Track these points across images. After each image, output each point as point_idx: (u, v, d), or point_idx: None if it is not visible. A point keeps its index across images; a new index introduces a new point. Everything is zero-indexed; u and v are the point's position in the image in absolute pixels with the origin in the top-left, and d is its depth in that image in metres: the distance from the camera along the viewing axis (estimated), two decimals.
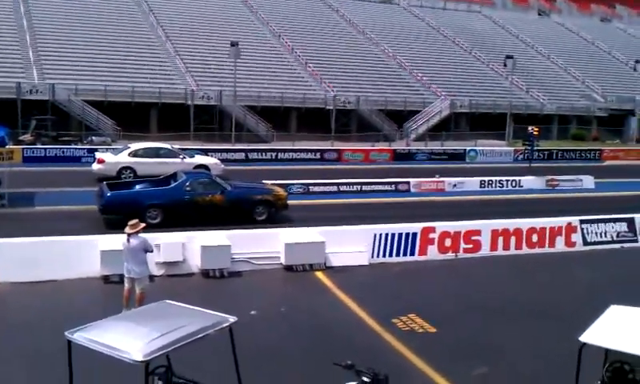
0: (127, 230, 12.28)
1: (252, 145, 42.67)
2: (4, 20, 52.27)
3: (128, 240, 12.23)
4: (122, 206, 19.20)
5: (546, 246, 19.34)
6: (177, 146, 32.26)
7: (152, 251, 13.06)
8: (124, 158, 28.44)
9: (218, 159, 31.63)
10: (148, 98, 47.85)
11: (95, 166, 28.52)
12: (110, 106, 45.88)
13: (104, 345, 6.38)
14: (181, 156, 29.05)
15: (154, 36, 56.70)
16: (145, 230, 12.81)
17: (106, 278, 14.55)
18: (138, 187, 21.22)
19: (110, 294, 13.44)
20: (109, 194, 19.69)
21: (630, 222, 20.83)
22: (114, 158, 28.78)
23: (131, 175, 27.41)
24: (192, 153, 31.02)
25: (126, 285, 12.39)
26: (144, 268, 12.43)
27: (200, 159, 29.86)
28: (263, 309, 13.02)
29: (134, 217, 12.98)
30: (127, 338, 6.46)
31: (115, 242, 13.86)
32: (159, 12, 60.71)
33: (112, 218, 19.00)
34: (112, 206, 19.55)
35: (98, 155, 29.76)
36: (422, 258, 17.76)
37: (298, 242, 16.38)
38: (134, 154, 28.72)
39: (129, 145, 30.76)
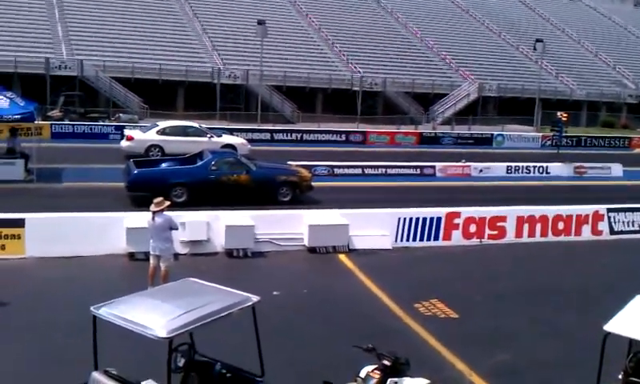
0: (152, 207, 12.37)
1: (277, 125, 42.76)
2: None
3: (153, 218, 12.33)
4: (148, 183, 19.33)
5: (572, 234, 19.15)
6: (204, 125, 32.38)
7: (177, 229, 13.15)
8: (152, 136, 28.63)
9: (244, 139, 31.70)
10: (175, 76, 48.11)
11: (124, 143, 28.73)
12: (137, 83, 46.20)
13: (128, 320, 6.46)
14: (208, 135, 29.20)
15: (181, 14, 56.82)
16: (170, 208, 12.90)
17: (131, 255, 14.71)
18: (164, 165, 21.37)
19: (135, 271, 13.60)
20: (135, 172, 19.86)
21: None
22: (142, 135, 28.98)
23: (159, 153, 27.59)
24: (219, 132, 31.12)
25: (151, 262, 12.51)
26: (169, 246, 12.54)
27: (227, 138, 29.96)
28: (286, 290, 13.08)
29: (159, 195, 13.06)
30: (151, 315, 6.52)
31: (141, 219, 13.99)
32: None
33: (138, 196, 19.17)
34: (138, 184, 19.73)
35: (126, 132, 30.03)
36: (446, 243, 17.69)
37: (322, 224, 16.40)
38: (162, 131, 28.91)
39: (157, 123, 30.95)
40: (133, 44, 49.74)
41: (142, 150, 27.62)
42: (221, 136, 30.02)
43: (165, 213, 12.44)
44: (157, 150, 28.02)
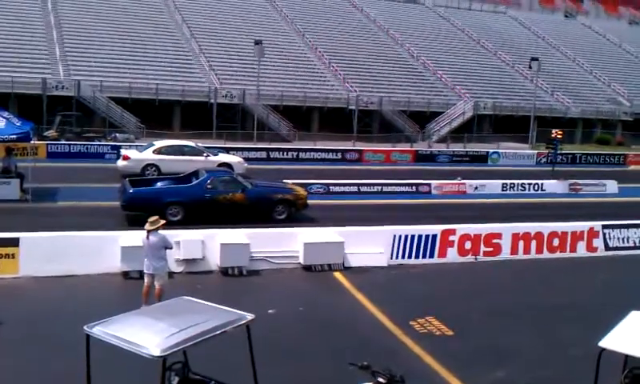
0: (147, 226, 12.38)
1: (274, 144, 42.83)
2: (32, 16, 52.97)
3: (148, 236, 12.33)
4: (144, 202, 19.35)
5: (568, 250, 19.18)
6: (200, 144, 32.46)
7: (171, 248, 13.16)
8: (148, 155, 28.64)
9: (241, 157, 31.77)
10: (172, 95, 48.22)
11: (120, 163, 28.72)
12: (134, 103, 46.30)
13: (122, 339, 6.45)
14: (205, 154, 29.19)
15: (179, 34, 57.07)
16: (166, 227, 12.92)
17: (125, 274, 14.70)
18: (159, 184, 21.38)
19: (130, 290, 13.59)
20: (131, 191, 19.87)
21: None
22: (138, 154, 29.00)
23: (155, 172, 27.60)
24: (215, 151, 31.17)
25: (146, 281, 12.50)
26: (163, 264, 12.54)
27: (223, 157, 29.95)
28: (281, 307, 13.07)
29: (155, 213, 13.09)
30: (145, 333, 6.52)
31: (136, 238, 14.00)
32: (185, 10, 61.08)
33: (134, 215, 19.16)
34: (134, 203, 19.73)
35: (122, 152, 30.05)
36: (442, 260, 17.70)
37: (317, 242, 16.41)
38: (159, 151, 28.91)
39: (153, 142, 31.00)
40: (130, 64, 49.90)
41: (138, 169, 27.62)
42: (217, 155, 30.03)
43: (159, 231, 12.45)
44: (153, 169, 27.98)
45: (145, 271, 12.54)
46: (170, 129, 46.03)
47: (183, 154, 28.84)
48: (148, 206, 17.85)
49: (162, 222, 12.67)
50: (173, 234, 14.20)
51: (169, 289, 12.03)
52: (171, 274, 13.79)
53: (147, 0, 61.18)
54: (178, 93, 48.29)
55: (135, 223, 16.91)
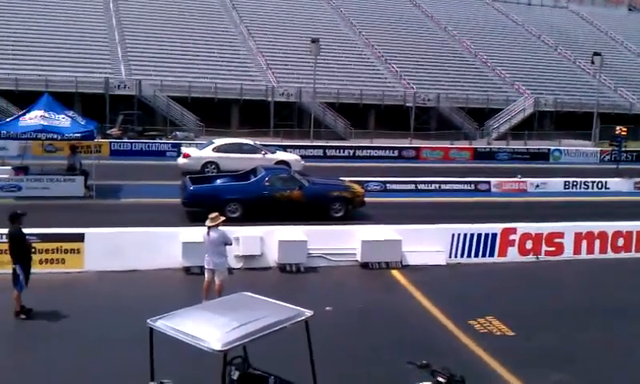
0: (208, 222, 12.57)
1: (330, 142, 42.84)
2: (95, 18, 54.38)
3: (208, 233, 12.52)
4: (204, 199, 19.66)
5: (633, 250, 18.60)
6: (258, 141, 32.77)
7: (231, 244, 13.32)
8: (208, 153, 29.01)
9: (298, 155, 31.95)
10: (230, 94, 48.80)
11: (181, 160, 29.15)
12: (193, 101, 47.07)
13: (184, 333, 6.56)
14: (262, 152, 29.49)
15: (236, 33, 57.71)
16: (224, 223, 13.07)
17: (186, 269, 14.95)
18: (219, 182, 21.67)
19: (191, 285, 13.81)
20: (191, 188, 20.21)
21: None
22: (198, 152, 29.40)
23: (215, 170, 27.94)
24: (273, 149, 31.42)
25: (206, 276, 12.68)
26: (223, 260, 12.71)
27: (281, 155, 30.18)
28: (338, 305, 13.05)
29: (215, 210, 13.28)
30: (207, 328, 6.62)
31: (196, 234, 14.21)
32: (241, 9, 61.74)
33: (194, 211, 19.48)
34: (194, 200, 20.06)
35: (183, 150, 30.56)
36: (502, 259, 17.41)
37: (375, 240, 16.36)
38: (218, 149, 29.26)
39: (212, 140, 31.39)
40: (189, 63, 50.70)
41: (198, 167, 27.98)
42: (275, 153, 30.27)
43: (219, 228, 12.62)
44: (212, 166, 28.32)
45: (205, 267, 12.73)
46: (229, 127, 46.54)
47: (241, 152, 29.11)
48: (208, 203, 18.12)
49: (222, 218, 12.83)
50: (232, 231, 14.37)
51: (228, 284, 12.18)
52: (231, 270, 13.96)
53: (205, 0, 62.06)
54: (235, 91, 48.84)
55: (196, 219, 17.19)
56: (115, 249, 15.02)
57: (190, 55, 51.87)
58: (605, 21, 77.29)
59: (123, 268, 14.72)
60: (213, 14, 59.96)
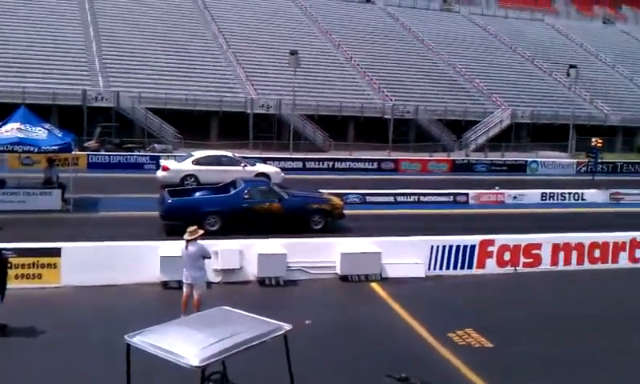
0: (186, 236, 12.51)
1: (309, 154, 42.90)
2: (72, 30, 54.09)
3: (187, 246, 12.45)
4: (182, 212, 19.55)
5: (609, 261, 18.81)
6: (237, 154, 32.70)
7: (210, 258, 13.27)
8: (187, 166, 28.87)
9: (278, 168, 31.94)
10: (209, 106, 48.71)
11: (159, 174, 28.98)
12: (171, 114, 46.88)
13: (162, 349, 6.52)
14: (242, 164, 29.43)
15: (215, 45, 57.69)
16: (203, 236, 13.02)
17: (165, 284, 14.85)
18: (197, 194, 21.59)
19: (169, 300, 13.71)
20: (170, 201, 20.10)
21: None
22: (177, 165, 29.29)
23: (194, 182, 27.84)
24: (253, 161, 31.34)
25: (185, 290, 12.61)
26: (202, 274, 12.65)
27: (261, 167, 30.20)
28: (318, 318, 13.02)
29: (193, 223, 13.21)
30: (185, 343, 6.59)
31: (174, 248, 14.15)
32: (221, 21, 61.77)
33: (172, 224, 19.36)
34: (172, 213, 19.95)
35: (162, 163, 30.37)
36: (480, 271, 17.50)
37: (354, 252, 16.38)
38: (197, 161, 29.12)
39: (191, 153, 31.29)
40: (168, 75, 50.58)
41: (177, 180, 27.83)
42: (254, 165, 30.21)
43: (198, 241, 12.56)
44: (192, 179, 28.17)
45: (184, 281, 12.65)
46: (207, 139, 46.47)
47: (221, 165, 28.99)
48: (186, 216, 18.02)
49: (201, 232, 12.78)
50: (211, 244, 14.31)
51: (207, 299, 12.11)
52: (209, 284, 13.89)
53: (184, 12, 62.07)
54: (214, 103, 48.76)
55: (174, 233, 17.10)
56: (92, 263, 14.88)
57: (168, 67, 51.75)
58: (580, 33, 78.41)
59: (100, 283, 14.58)
60: (192, 25, 59.90)
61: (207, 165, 28.85)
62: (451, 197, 28.99)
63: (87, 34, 54.08)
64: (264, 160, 34.52)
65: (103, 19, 56.96)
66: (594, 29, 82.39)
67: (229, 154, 31.61)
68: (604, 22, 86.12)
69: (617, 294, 16.23)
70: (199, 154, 30.61)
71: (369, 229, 20.59)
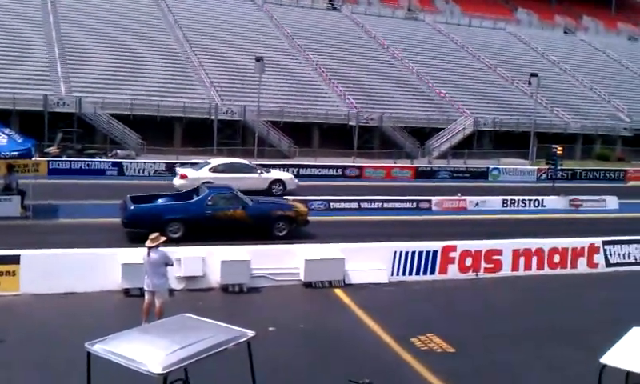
0: (148, 243, 12.40)
1: (274, 160, 42.83)
2: (34, 34, 53.22)
3: (148, 253, 12.35)
4: (145, 219, 19.35)
5: (568, 266, 19.17)
6: (252, 161, 34.14)
7: (172, 265, 13.18)
8: (205, 174, 28.93)
9: (292, 174, 32.92)
10: (173, 112, 48.34)
11: (177, 181, 28.97)
12: (135, 119, 46.42)
13: (123, 357, 6.47)
14: (258, 171, 30.39)
15: (180, 50, 57.33)
16: (166, 243, 12.93)
17: (126, 291, 14.70)
18: (160, 201, 21.39)
19: (130, 307, 13.56)
20: (132, 208, 19.90)
21: None
22: (195, 173, 29.23)
23: None
24: (268, 168, 32.04)
25: (146, 298, 12.50)
26: (164, 281, 12.55)
27: (276, 174, 31.18)
28: (281, 325, 13.05)
29: (156, 230, 13.10)
30: (146, 351, 6.54)
31: (136, 255, 13.99)
32: (186, 26, 61.39)
33: (134, 232, 19.17)
34: (135, 220, 19.73)
35: (180, 170, 30.39)
36: (443, 276, 17.69)
37: (318, 259, 16.41)
38: (214, 169, 29.52)
39: (207, 161, 31.59)
40: (131, 81, 50.08)
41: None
42: (269, 172, 31.14)
43: (160, 248, 12.47)
44: None
45: (145, 288, 12.54)
46: (171, 145, 46.12)
47: (238, 172, 29.58)
48: (149, 223, 17.83)
49: (163, 238, 12.69)
50: (173, 251, 14.21)
51: (169, 306, 12.02)
52: (172, 292, 13.78)
53: (148, 17, 61.56)
54: (179, 109, 48.41)
55: (136, 240, 16.93)
56: (52, 271, 14.65)
57: (132, 72, 51.25)
58: (541, 42, 79.81)
59: (61, 290, 14.37)
60: (156, 31, 59.44)
61: (224, 172, 29.17)
62: (414, 203, 29.20)
63: (49, 37, 53.27)
64: (282, 167, 35.46)
65: (65, 23, 56.19)
66: (556, 38, 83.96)
67: (244, 161, 32.83)
68: (565, 32, 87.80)
69: (575, 300, 16.53)
70: (216, 161, 31.14)
71: (333, 235, 20.62)
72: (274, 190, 29.83)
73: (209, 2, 68.36)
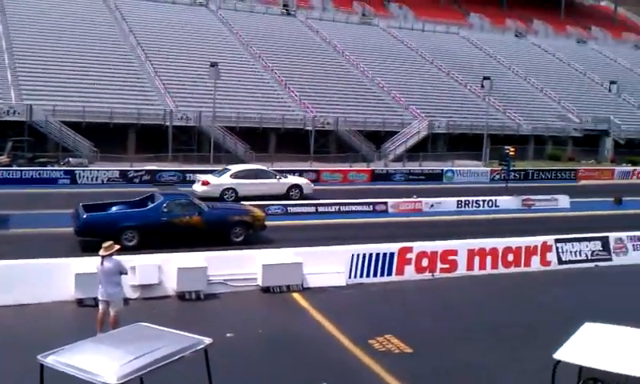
0: (101, 252, 12.21)
1: (231, 166, 42.58)
2: None
3: (102, 262, 12.15)
4: (98, 228, 19.04)
5: (522, 265, 19.51)
6: (270, 167, 35.39)
7: (126, 273, 12.99)
8: (226, 180, 30.31)
9: (308, 179, 33.95)
10: (126, 119, 47.69)
11: (199, 188, 29.89)
12: (87, 127, 45.67)
13: (77, 368, 6.37)
14: (277, 177, 31.64)
15: (133, 56, 56.66)
16: (121, 252, 12.76)
17: (80, 302, 14.43)
18: (114, 209, 21.07)
19: (84, 318, 13.32)
20: (85, 216, 19.55)
21: (604, 241, 21.14)
22: (217, 180, 30.39)
23: (233, 196, 29.53)
24: (285, 174, 33.01)
25: (101, 308, 12.30)
26: (118, 290, 12.36)
27: (293, 179, 32.51)
28: (239, 331, 12.98)
29: (110, 239, 12.90)
30: (100, 361, 6.47)
31: (90, 264, 13.77)
32: (139, 32, 60.71)
33: (88, 240, 18.85)
34: (88, 229, 19.40)
35: (201, 177, 31.17)
36: (399, 278, 17.83)
37: (275, 264, 16.37)
38: (235, 175, 30.69)
39: (227, 167, 32.47)
40: (83, 88, 49.22)
41: (217, 194, 29.28)
42: (287, 177, 32.36)
43: (114, 257, 12.29)
44: (231, 192, 29.70)
45: (99, 298, 12.34)
46: (125, 152, 45.50)
47: (258, 178, 31.04)
48: (103, 231, 17.57)
49: (117, 247, 12.51)
50: (128, 260, 14.04)
51: (124, 316, 11.85)
52: (127, 301, 13.60)
53: (101, 23, 60.67)
54: (132, 116, 47.79)
55: (89, 249, 16.65)
56: (4, 282, 14.28)
57: (84, 79, 50.40)
58: (493, 46, 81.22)
59: (12, 302, 14.01)
60: (109, 37, 58.58)
61: (245, 178, 30.62)
62: (371, 206, 29.43)
63: None
64: (300, 173, 36.53)
65: (15, 30, 54.99)
66: (507, 42, 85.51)
67: (263, 167, 34.00)
68: (516, 36, 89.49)
69: (529, 298, 16.84)
70: (236, 168, 32.13)
71: (290, 239, 20.67)
72: (291, 194, 31.06)
73: (163, 8, 67.83)
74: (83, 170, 36.67)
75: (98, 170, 36.93)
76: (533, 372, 10.59)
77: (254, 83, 57.51)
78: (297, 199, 30.44)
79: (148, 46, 58.66)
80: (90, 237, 18.94)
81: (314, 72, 62.40)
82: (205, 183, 30.19)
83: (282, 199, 29.53)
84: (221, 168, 33.24)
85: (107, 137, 45.28)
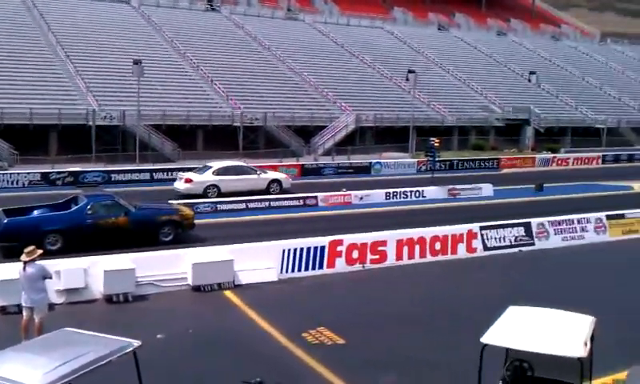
0: (23, 257, 11.85)
1: (157, 165, 41.96)
2: None
3: (24, 268, 11.79)
4: (20, 232, 18.41)
5: (449, 253, 20.01)
6: (250, 162, 36.06)
7: (51, 277, 12.64)
8: (209, 177, 30.66)
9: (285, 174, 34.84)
10: (47, 119, 46.17)
11: (182, 186, 30.45)
12: (6, 129, 44.02)
13: (1, 377, 6.16)
14: (258, 172, 32.24)
15: (53, 56, 54.89)
16: (45, 256, 12.39)
17: (2, 309, 13.95)
18: (36, 213, 20.40)
19: (8, 326, 12.89)
20: (5, 221, 18.89)
21: (527, 227, 21.91)
22: (200, 177, 30.82)
23: (216, 192, 29.90)
24: (265, 170, 33.63)
25: (25, 314, 11.94)
26: (43, 296, 12.02)
27: (272, 175, 33.24)
28: (170, 332, 12.82)
29: (32, 243, 12.52)
30: (25, 369, 6.30)
31: (12, 270, 13.33)
32: (58, 31, 58.84)
33: (9, 246, 18.20)
34: (9, 234, 18.73)
35: (184, 175, 31.53)
36: (331, 270, 17.99)
37: (206, 262, 16.26)
38: (217, 172, 31.01)
39: (208, 164, 32.43)
40: (1, 89, 47.43)
41: (200, 191, 29.80)
42: (267, 173, 33.01)
43: (37, 262, 11.94)
44: (214, 189, 30.08)
45: (23, 305, 11.99)
46: (47, 154, 44.12)
47: (239, 174, 31.52)
48: (24, 236, 17.01)
49: (39, 251, 12.16)
50: (52, 264, 13.66)
51: (49, 321, 11.52)
52: (52, 306, 13.23)
53: (18, 21, 58.50)
54: (53, 117, 46.29)
55: (11, 255, 16.09)
56: None
57: (1, 80, 48.53)
58: (417, 40, 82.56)
59: None
60: (27, 36, 56.52)
61: (227, 174, 30.99)
62: (301, 200, 29.51)
63: None
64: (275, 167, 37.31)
65: None
66: (430, 35, 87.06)
67: (243, 163, 34.57)
68: (439, 29, 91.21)
69: (457, 284, 17.29)
70: (216, 165, 32.08)
71: (221, 237, 20.53)
72: (271, 190, 31.39)
73: (83, 5, 65.83)
74: (3, 174, 35.36)
75: (18, 173, 35.67)
76: (462, 355, 10.87)
77: (179, 80, 56.66)
78: (276, 194, 31.02)
79: (68, 44, 56.95)
80: (11, 242, 18.25)
81: (240, 68, 61.97)
82: (188, 181, 30.57)
83: (263, 194, 30.38)
84: (201, 165, 33.33)
85: (27, 138, 43.79)
